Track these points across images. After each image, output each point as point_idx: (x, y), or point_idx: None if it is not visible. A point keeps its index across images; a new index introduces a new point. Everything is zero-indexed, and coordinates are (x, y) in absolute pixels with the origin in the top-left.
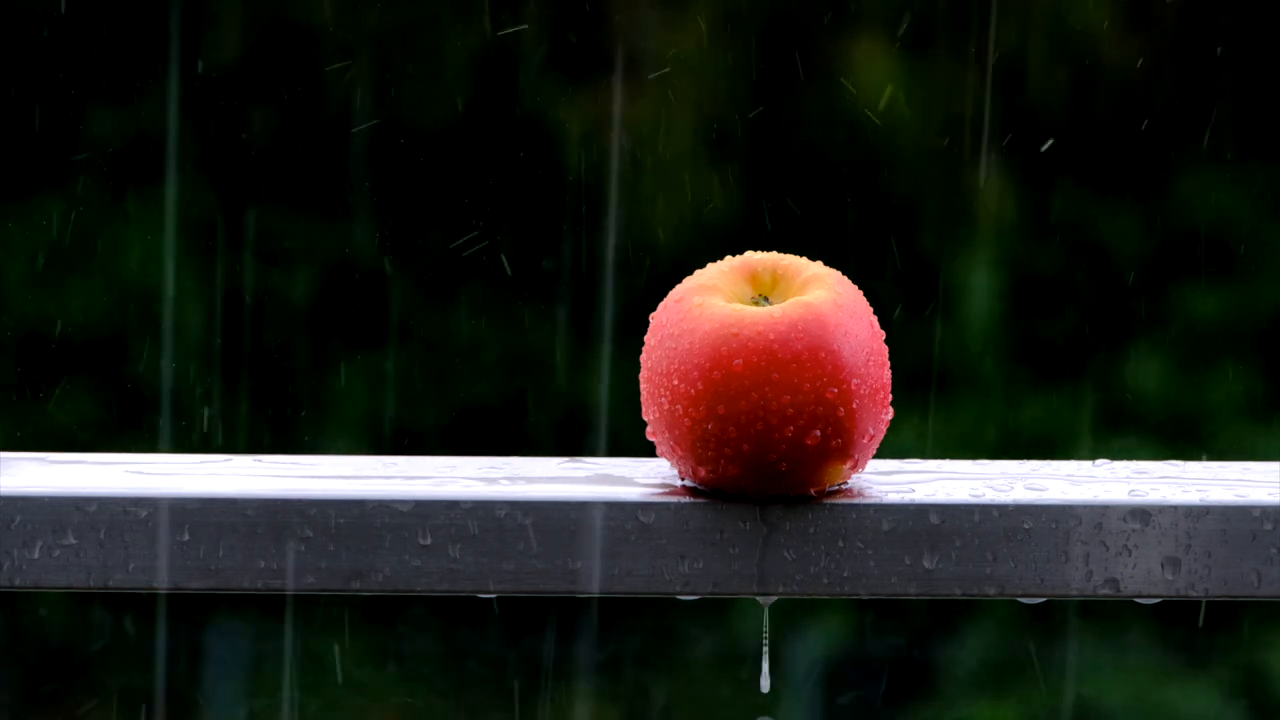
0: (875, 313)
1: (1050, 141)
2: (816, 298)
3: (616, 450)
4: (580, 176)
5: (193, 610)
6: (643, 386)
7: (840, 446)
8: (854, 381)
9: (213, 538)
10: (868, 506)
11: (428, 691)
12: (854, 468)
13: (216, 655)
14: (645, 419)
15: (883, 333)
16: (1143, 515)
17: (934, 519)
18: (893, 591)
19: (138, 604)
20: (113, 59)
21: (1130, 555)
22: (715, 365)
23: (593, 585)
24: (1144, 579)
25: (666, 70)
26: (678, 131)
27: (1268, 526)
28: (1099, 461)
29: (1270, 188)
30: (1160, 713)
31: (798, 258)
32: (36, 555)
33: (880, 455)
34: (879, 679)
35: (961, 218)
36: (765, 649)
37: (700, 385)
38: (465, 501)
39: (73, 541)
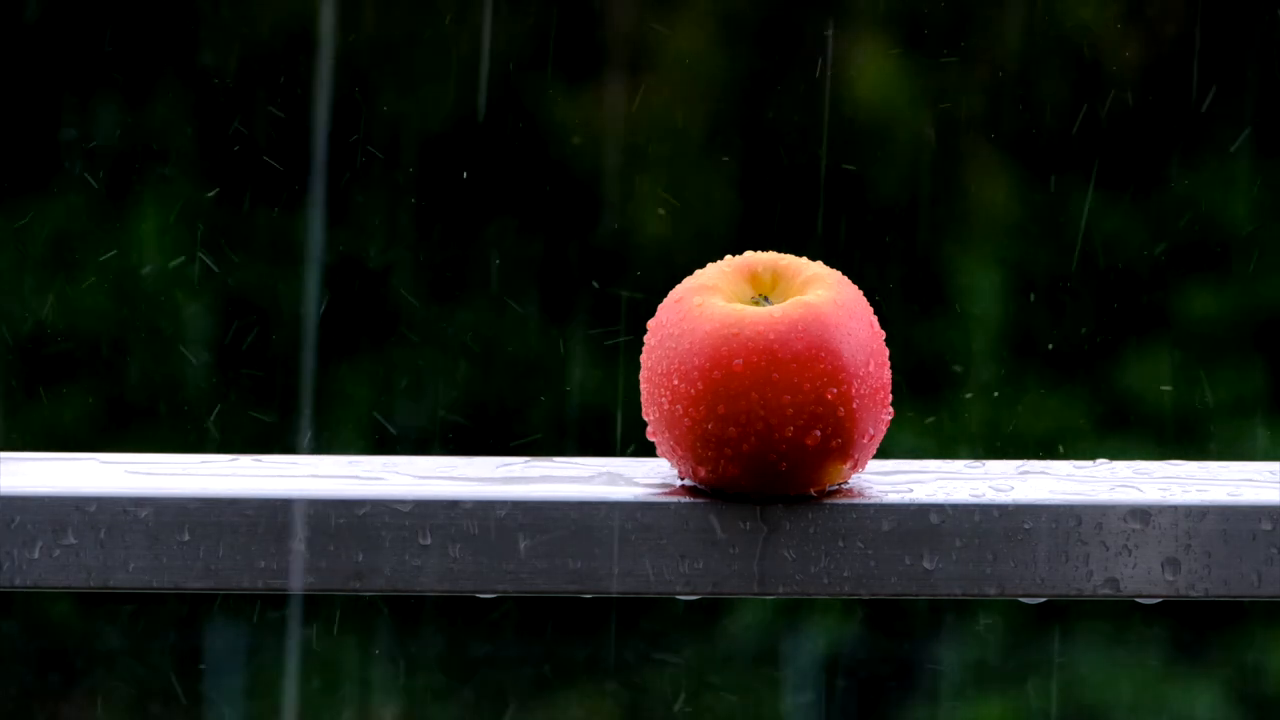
0: (875, 312)
1: (1050, 141)
2: (817, 297)
3: (616, 450)
4: (580, 176)
5: (193, 610)
6: (643, 386)
7: (840, 446)
8: (854, 381)
9: (213, 538)
10: (868, 506)
11: (429, 691)
12: (854, 468)
13: (217, 655)
14: (645, 419)
15: (883, 333)
16: (1143, 515)
17: (934, 519)
18: (893, 591)
19: (138, 604)
20: (115, 58)
21: (1130, 555)
22: (715, 365)
23: (593, 585)
24: (1144, 579)
25: (666, 69)
26: (677, 131)
27: (1268, 526)
28: (1099, 461)
29: (1271, 187)
30: (1160, 713)
31: (797, 257)
32: (36, 555)
33: (880, 455)
34: (879, 679)
35: (962, 217)
36: None
37: (700, 385)
38: (465, 501)
39: (73, 541)
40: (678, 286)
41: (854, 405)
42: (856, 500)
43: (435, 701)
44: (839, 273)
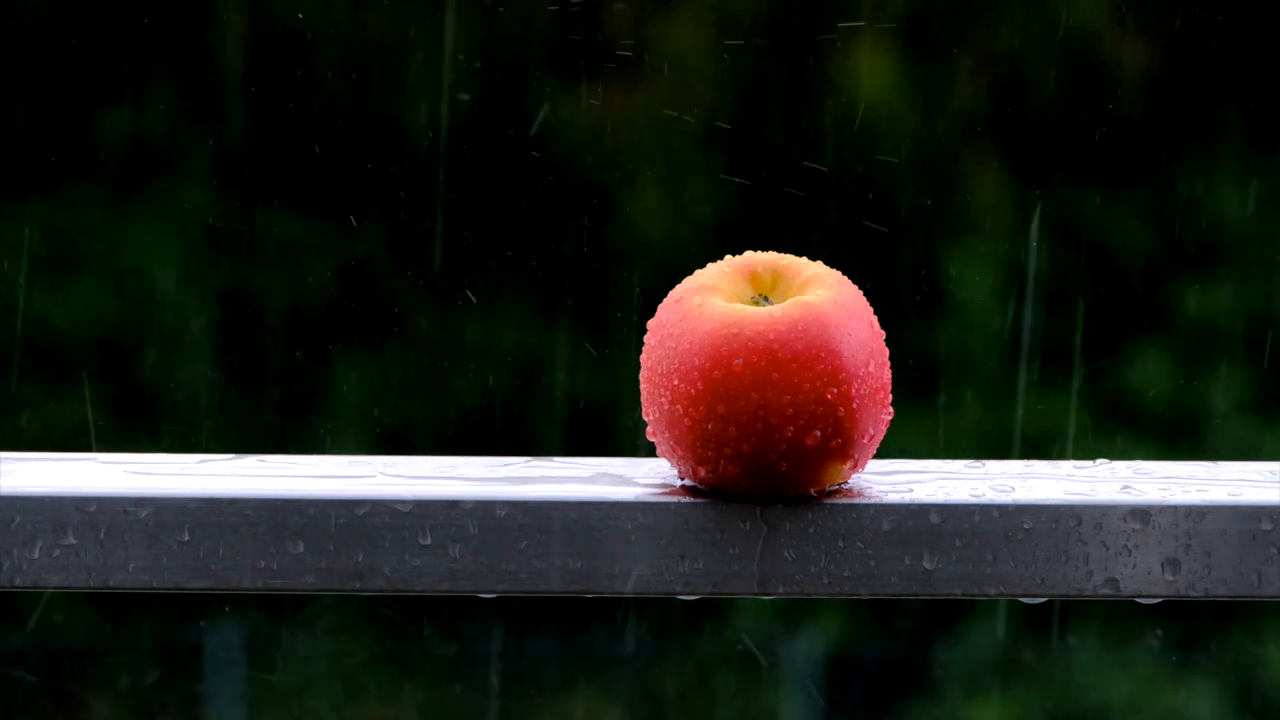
0: (875, 312)
1: (1050, 141)
2: (817, 297)
3: (617, 450)
4: (580, 176)
5: (193, 610)
6: (643, 386)
7: (840, 446)
8: (854, 381)
9: (213, 538)
10: (868, 506)
11: (428, 692)
12: (854, 468)
13: (216, 655)
14: (645, 419)
15: (883, 333)
16: (1143, 515)
17: (934, 519)
18: (893, 591)
19: (138, 604)
20: (116, 60)
21: (1130, 555)
22: (715, 365)
23: (593, 585)
24: (1144, 579)
25: (666, 69)
26: (677, 130)
27: (1267, 526)
28: (1099, 461)
29: (1272, 187)
30: (1160, 713)
31: (797, 257)
32: (36, 555)
33: (880, 455)
34: (879, 679)
35: (961, 216)
36: None
37: (700, 385)
38: (465, 501)
39: (73, 541)
40: (678, 286)
41: (854, 405)
42: (856, 500)
43: (435, 701)
44: (839, 273)
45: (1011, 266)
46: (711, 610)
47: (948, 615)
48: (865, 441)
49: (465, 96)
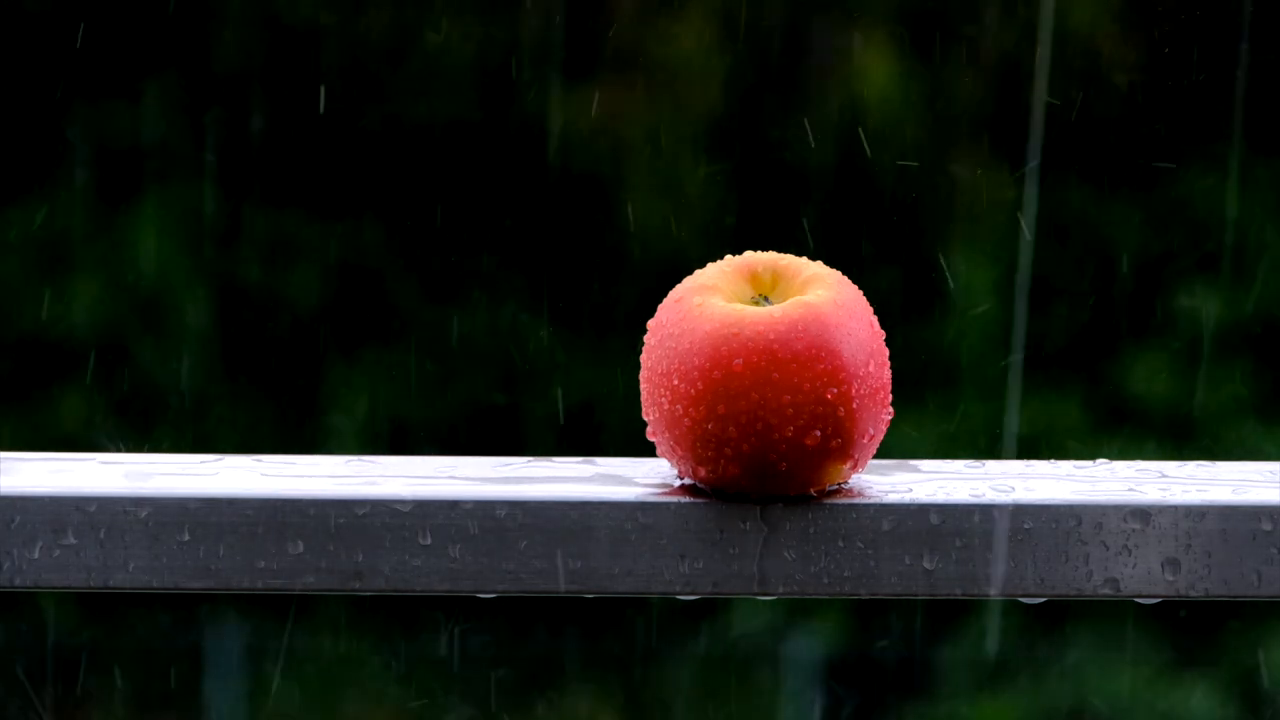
0: (875, 312)
1: (1050, 140)
2: (817, 297)
3: (616, 450)
4: (580, 176)
5: (193, 610)
6: (643, 386)
7: (840, 446)
8: (854, 381)
9: (213, 538)
10: (868, 506)
11: (427, 691)
12: (854, 468)
13: (216, 655)
14: (645, 419)
15: (883, 332)
16: (1143, 515)
17: (934, 519)
18: (893, 591)
19: (138, 604)
20: (113, 57)
21: (1130, 555)
22: (715, 365)
23: (593, 585)
24: (1144, 579)
25: (665, 69)
26: (676, 131)
27: (1268, 526)
28: (1099, 461)
29: (1271, 187)
30: (1160, 713)
31: (797, 257)
32: (36, 555)
33: (880, 455)
34: (879, 679)
35: (962, 216)
36: None
37: (700, 385)
38: (465, 501)
39: (73, 541)
40: (678, 286)
41: (854, 405)
42: (856, 500)
43: (434, 701)
44: (839, 273)
45: (1012, 266)
46: (711, 610)
47: (948, 615)
48: (865, 441)
49: (466, 95)
